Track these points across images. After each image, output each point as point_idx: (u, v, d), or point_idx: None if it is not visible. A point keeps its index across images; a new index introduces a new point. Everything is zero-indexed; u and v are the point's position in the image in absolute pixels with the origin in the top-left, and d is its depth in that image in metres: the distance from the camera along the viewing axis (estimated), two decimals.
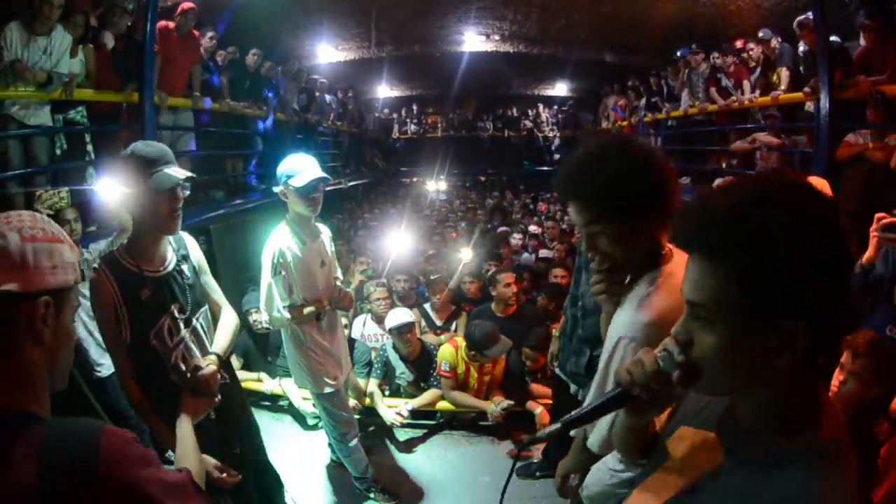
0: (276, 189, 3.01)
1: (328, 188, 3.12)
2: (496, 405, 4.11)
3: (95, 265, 2.05)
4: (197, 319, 2.29)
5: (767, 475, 0.89)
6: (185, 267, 2.29)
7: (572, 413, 1.11)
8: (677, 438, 1.11)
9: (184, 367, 2.13)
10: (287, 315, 3.00)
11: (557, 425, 1.11)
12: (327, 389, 3.23)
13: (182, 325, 2.21)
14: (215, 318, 2.47)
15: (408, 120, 18.33)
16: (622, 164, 1.47)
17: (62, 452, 0.94)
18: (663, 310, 1.42)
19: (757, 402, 0.93)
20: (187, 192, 2.16)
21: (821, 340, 0.83)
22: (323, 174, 2.97)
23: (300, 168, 2.92)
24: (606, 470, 1.66)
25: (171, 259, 2.24)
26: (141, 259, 2.12)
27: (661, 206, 1.46)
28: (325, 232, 3.29)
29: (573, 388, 3.04)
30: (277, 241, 2.99)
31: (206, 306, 2.41)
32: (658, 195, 1.46)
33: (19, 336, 1.01)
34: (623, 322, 1.53)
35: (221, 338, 2.39)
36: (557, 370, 3.21)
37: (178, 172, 2.06)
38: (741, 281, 0.82)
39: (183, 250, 2.33)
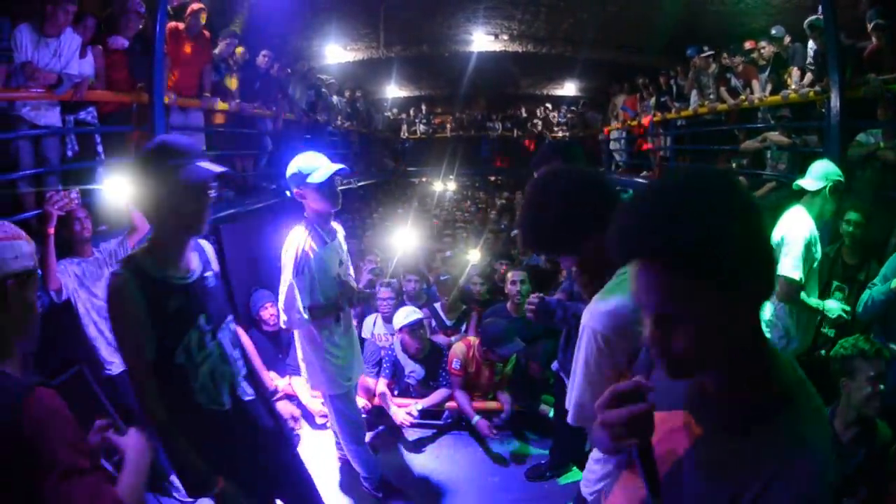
0: (290, 192, 2.96)
1: (341, 187, 3.07)
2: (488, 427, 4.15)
3: (116, 270, 1.83)
4: (222, 332, 2.09)
5: (744, 432, 0.96)
6: (208, 274, 2.10)
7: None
8: None
9: (212, 386, 1.99)
10: (307, 316, 2.92)
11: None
12: (340, 390, 3.20)
13: (208, 339, 2.00)
14: None
15: (416, 120, 18.33)
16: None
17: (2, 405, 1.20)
18: (616, 302, 1.59)
19: (718, 372, 1.00)
20: (215, 193, 1.98)
21: (759, 299, 0.93)
22: (339, 165, 2.92)
23: (314, 165, 2.86)
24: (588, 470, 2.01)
25: (198, 265, 2.06)
26: (166, 265, 1.91)
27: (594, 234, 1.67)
28: (340, 230, 3.27)
29: None
30: (299, 241, 2.93)
31: (231, 317, 2.19)
32: (589, 228, 1.66)
33: None
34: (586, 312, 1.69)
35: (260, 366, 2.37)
36: (560, 371, 3.20)
37: (210, 167, 1.88)
38: (700, 273, 0.87)
39: (204, 256, 2.14)
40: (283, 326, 3.04)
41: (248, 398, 2.16)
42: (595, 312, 1.63)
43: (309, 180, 2.84)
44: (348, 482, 3.75)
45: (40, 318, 1.48)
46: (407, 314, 4.35)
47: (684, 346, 0.93)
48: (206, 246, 2.20)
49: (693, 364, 0.96)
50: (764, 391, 0.97)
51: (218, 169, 1.89)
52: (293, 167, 2.89)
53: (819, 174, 3.62)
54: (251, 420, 2.16)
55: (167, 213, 1.87)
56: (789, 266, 3.49)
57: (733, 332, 0.93)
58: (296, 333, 3.19)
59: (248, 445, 2.10)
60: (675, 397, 1.10)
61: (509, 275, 4.76)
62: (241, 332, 2.46)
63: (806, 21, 5.96)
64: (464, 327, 5.19)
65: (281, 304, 2.93)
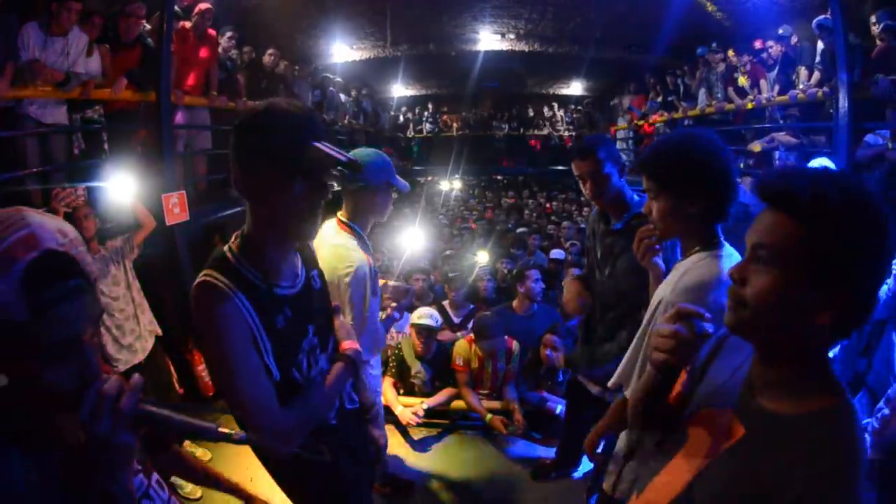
0: (375, 184, 2.52)
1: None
2: (501, 423, 4.13)
3: (210, 279, 1.41)
4: (331, 342, 1.77)
5: (783, 441, 0.96)
6: (314, 273, 1.74)
7: None
8: (696, 420, 1.17)
9: None
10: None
11: None
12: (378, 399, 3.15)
13: (319, 352, 1.68)
14: None
15: (423, 119, 18.33)
16: (685, 151, 1.78)
17: None
18: (705, 278, 1.71)
19: (779, 363, 1.03)
20: (335, 187, 1.67)
21: (853, 315, 0.96)
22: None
23: (394, 170, 2.61)
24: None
25: (302, 268, 1.66)
26: (270, 273, 1.51)
27: (707, 194, 1.75)
28: None
29: (595, 390, 3.03)
30: (360, 260, 2.45)
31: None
32: (704, 184, 1.75)
33: None
34: (664, 286, 1.84)
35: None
36: (577, 375, 3.20)
37: (335, 152, 1.40)
38: (810, 239, 0.93)
39: (305, 252, 1.74)
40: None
41: (351, 407, 1.93)
42: (678, 289, 1.74)
43: (395, 182, 2.59)
44: None
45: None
46: (422, 315, 4.36)
47: (760, 287, 0.98)
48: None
49: (759, 316, 0.99)
50: (817, 399, 0.98)
51: (344, 155, 1.42)
52: (380, 159, 2.56)
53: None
54: (355, 430, 1.96)
55: (271, 207, 1.44)
56: None
57: (810, 311, 0.95)
58: None
59: (349, 455, 1.86)
60: (725, 397, 1.13)
61: (532, 272, 4.71)
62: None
63: (815, 21, 5.94)
64: (470, 325, 5.18)
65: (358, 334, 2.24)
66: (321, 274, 1.79)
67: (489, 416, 4.14)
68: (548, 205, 13.40)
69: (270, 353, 1.47)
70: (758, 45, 7.64)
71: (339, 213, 2.62)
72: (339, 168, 1.42)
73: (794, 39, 6.86)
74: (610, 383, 2.08)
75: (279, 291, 1.53)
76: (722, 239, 1.84)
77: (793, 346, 1.00)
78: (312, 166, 1.38)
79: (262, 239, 1.49)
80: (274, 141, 1.36)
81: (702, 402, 1.20)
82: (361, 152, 2.54)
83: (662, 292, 1.83)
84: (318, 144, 1.37)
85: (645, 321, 1.93)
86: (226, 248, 1.51)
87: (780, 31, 6.98)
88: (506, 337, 4.30)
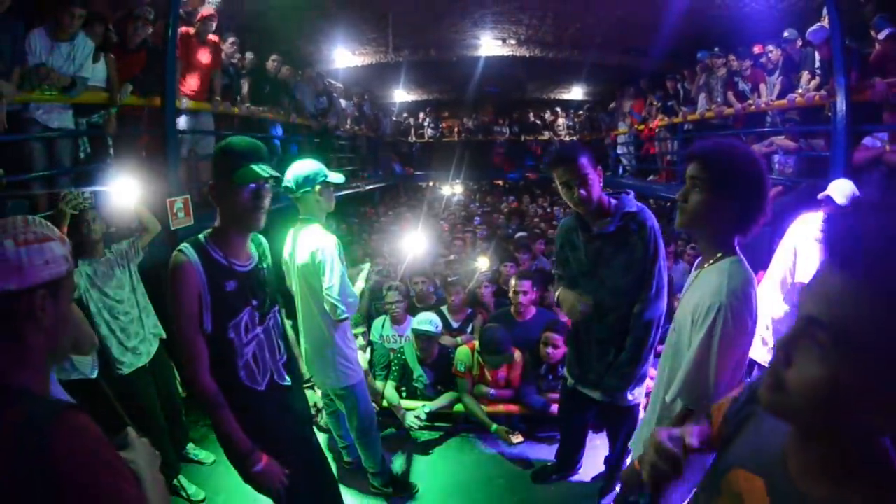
0: (311, 189, 3.01)
1: (349, 191, 3.15)
2: (506, 433, 4.20)
3: (182, 248, 2.07)
4: (270, 319, 2.31)
5: None
6: (262, 265, 2.34)
7: None
8: (730, 479, 1.03)
9: (254, 366, 2.20)
10: (352, 299, 3.05)
11: None
12: (361, 375, 3.29)
13: (256, 324, 2.22)
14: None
15: (424, 124, 18.39)
16: (730, 154, 1.86)
17: (28, 433, 1.02)
18: (746, 281, 1.83)
19: (819, 448, 0.84)
20: (271, 193, 2.19)
21: None
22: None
23: (323, 168, 3.03)
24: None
25: (254, 256, 2.29)
26: (229, 252, 2.15)
27: (744, 205, 1.84)
28: None
29: (598, 395, 3.05)
30: (326, 236, 3.00)
31: (277, 307, 2.40)
32: (748, 195, 1.84)
33: (22, 324, 1.16)
34: (713, 291, 1.85)
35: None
36: (577, 385, 3.20)
37: (263, 170, 2.06)
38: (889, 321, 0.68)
39: (260, 249, 2.38)
40: (340, 318, 3.02)
41: (284, 384, 2.36)
42: (727, 292, 1.81)
43: (330, 179, 3.02)
44: (354, 484, 3.77)
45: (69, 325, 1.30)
46: (421, 321, 4.38)
47: (806, 378, 0.77)
48: (263, 241, 2.44)
49: (800, 410, 0.81)
50: (862, 487, 0.80)
51: (269, 173, 2.08)
52: (310, 168, 2.99)
53: (849, 190, 3.68)
54: (286, 405, 2.36)
55: (226, 209, 2.13)
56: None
57: (868, 413, 0.73)
58: (311, 333, 3.20)
59: (279, 427, 2.28)
60: (761, 463, 0.97)
61: (515, 283, 4.66)
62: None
63: (808, 32, 5.97)
64: (469, 329, 5.20)
65: (336, 294, 2.94)
66: (269, 268, 2.39)
67: (494, 426, 4.17)
68: (550, 210, 13.37)
69: (209, 308, 2.06)
70: (757, 49, 7.67)
71: (299, 217, 3.13)
72: (271, 178, 2.10)
73: (798, 43, 6.87)
74: (669, 396, 2.01)
75: (235, 267, 2.16)
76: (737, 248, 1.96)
77: (838, 436, 0.81)
78: (248, 178, 2.04)
79: (226, 228, 2.16)
80: (230, 164, 2.05)
81: (744, 457, 1.04)
82: (296, 166, 3.03)
83: (708, 299, 1.86)
84: (254, 166, 2.05)
85: (705, 329, 1.87)
86: (201, 234, 2.16)
87: (786, 34, 6.97)
88: (513, 348, 4.30)
